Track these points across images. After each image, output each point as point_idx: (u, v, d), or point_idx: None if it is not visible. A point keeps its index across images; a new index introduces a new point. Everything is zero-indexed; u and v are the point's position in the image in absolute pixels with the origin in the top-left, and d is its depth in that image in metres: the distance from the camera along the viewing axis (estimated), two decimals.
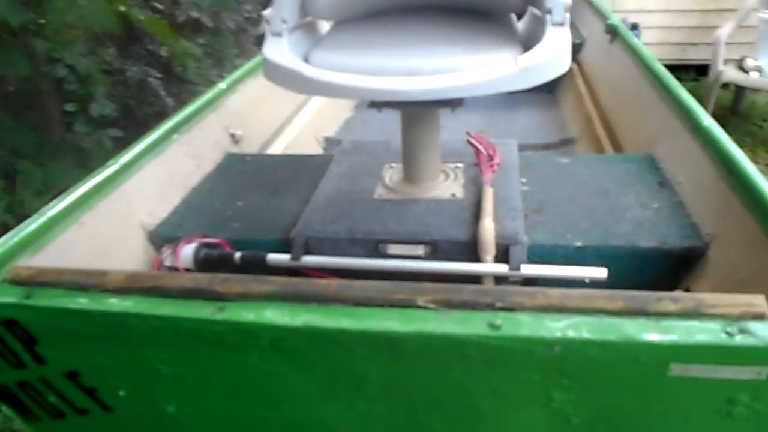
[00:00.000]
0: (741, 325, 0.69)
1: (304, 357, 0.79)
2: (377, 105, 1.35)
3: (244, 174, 1.71)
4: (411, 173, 1.49)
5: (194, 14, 4.80)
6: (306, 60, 1.25)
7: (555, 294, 0.75)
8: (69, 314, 0.82)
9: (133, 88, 3.99)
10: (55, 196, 1.27)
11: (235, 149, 1.87)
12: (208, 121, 1.80)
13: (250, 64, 2.18)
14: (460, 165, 1.58)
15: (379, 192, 1.50)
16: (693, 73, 4.69)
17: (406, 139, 1.45)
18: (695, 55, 4.70)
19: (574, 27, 3.02)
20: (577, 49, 2.78)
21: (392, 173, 1.57)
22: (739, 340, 0.68)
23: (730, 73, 3.91)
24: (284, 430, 0.92)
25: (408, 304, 0.76)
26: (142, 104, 4.08)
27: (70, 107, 3.11)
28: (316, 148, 2.43)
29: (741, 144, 1.31)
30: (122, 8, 3.63)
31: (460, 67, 1.16)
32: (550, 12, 1.18)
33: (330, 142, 2.45)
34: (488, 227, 1.26)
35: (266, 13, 1.27)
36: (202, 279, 0.81)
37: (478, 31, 1.34)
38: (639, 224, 1.33)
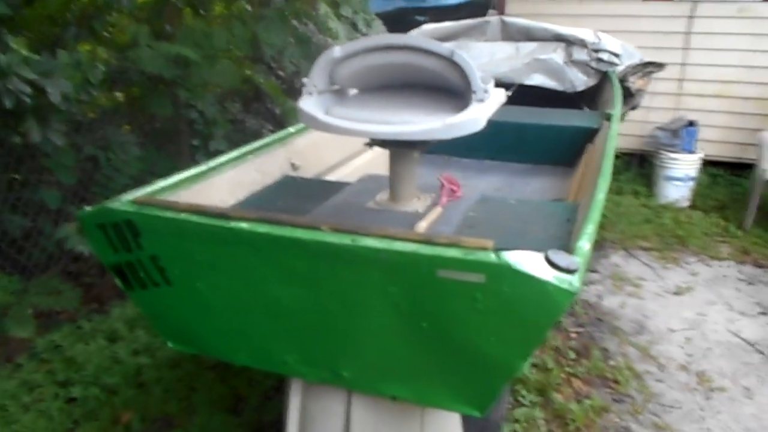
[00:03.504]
0: (474, 252, 1.30)
1: (267, 254, 1.48)
2: (369, 144, 2.08)
3: (290, 188, 2.47)
4: (391, 194, 2.18)
5: None
6: (328, 112, 2.00)
7: (387, 229, 1.40)
8: (159, 219, 1.56)
9: (249, 136, 4.97)
10: None
11: (293, 174, 2.65)
12: (276, 152, 2.59)
13: None
14: (433, 194, 2.25)
15: (369, 204, 2.19)
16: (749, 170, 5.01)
17: (390, 169, 2.15)
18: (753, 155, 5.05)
19: (600, 114, 3.61)
20: (595, 131, 3.36)
21: (383, 194, 2.26)
22: (470, 257, 1.29)
23: None
24: (255, 302, 1.59)
25: (317, 227, 1.44)
26: None
27: (195, 142, 4.10)
28: None
29: None
30: (248, 72, 4.65)
31: (414, 122, 1.86)
32: (475, 92, 1.86)
33: None
34: (420, 226, 1.91)
35: (304, 80, 2.05)
36: (227, 209, 1.54)
37: (441, 101, 2.03)
38: (528, 241, 1.92)
